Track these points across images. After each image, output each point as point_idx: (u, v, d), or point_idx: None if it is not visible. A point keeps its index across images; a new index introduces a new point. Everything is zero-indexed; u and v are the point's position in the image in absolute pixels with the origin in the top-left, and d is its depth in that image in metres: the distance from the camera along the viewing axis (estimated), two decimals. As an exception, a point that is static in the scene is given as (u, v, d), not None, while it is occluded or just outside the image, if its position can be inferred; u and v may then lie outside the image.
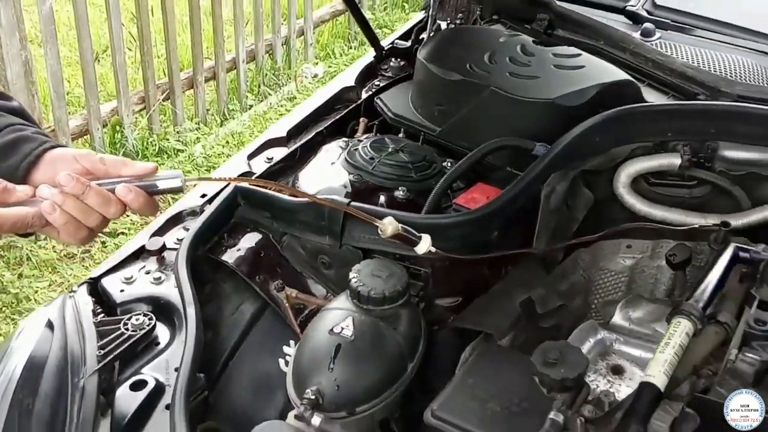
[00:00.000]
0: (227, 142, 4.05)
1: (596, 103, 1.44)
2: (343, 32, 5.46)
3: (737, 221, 1.40)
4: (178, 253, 1.30)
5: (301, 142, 1.59)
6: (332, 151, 1.53)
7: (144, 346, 1.21)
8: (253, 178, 1.48)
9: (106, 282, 1.31)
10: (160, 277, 1.31)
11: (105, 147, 3.70)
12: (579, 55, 1.59)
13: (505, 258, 1.38)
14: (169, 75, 4.02)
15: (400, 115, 1.64)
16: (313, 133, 1.62)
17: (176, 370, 1.14)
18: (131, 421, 1.09)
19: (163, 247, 1.36)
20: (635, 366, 1.30)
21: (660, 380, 1.03)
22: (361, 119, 1.69)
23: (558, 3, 1.77)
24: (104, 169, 0.95)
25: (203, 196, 1.47)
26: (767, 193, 1.42)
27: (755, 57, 1.57)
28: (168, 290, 1.28)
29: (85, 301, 1.25)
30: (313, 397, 1.08)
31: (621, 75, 1.53)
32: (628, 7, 1.78)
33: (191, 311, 1.20)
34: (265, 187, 1.37)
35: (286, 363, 1.26)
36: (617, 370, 1.30)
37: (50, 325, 1.20)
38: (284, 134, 1.62)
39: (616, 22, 1.74)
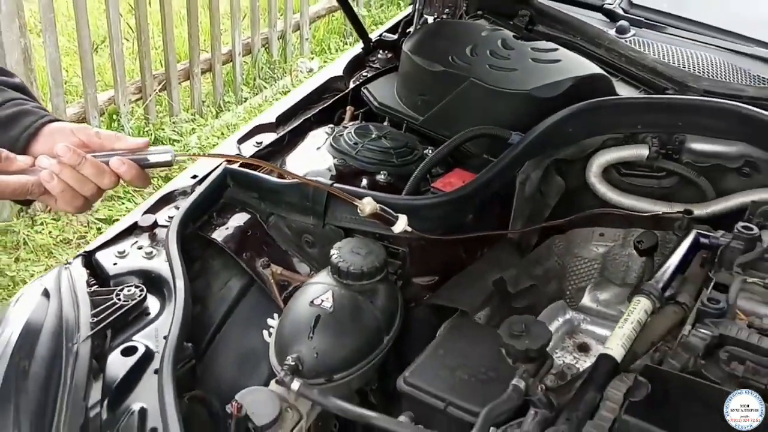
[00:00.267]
0: (222, 133, 4.11)
1: (570, 96, 1.50)
2: (339, 28, 5.53)
3: (701, 210, 1.47)
4: (169, 230, 1.36)
5: (290, 128, 1.66)
6: (318, 137, 1.60)
7: (135, 316, 1.26)
8: (240, 157, 1.55)
9: (100, 256, 1.37)
10: (151, 252, 1.37)
11: (101, 135, 3.76)
12: (556, 49, 1.66)
13: (480, 241, 1.45)
14: (165, 66, 4.08)
15: (386, 105, 1.71)
16: (301, 120, 1.69)
17: (165, 338, 1.20)
18: (121, 383, 1.14)
19: (155, 224, 1.43)
20: (600, 344, 1.38)
21: (617, 353, 1.10)
22: (348, 107, 1.76)
23: (539, 0, 1.84)
24: (99, 143, 1.02)
25: (194, 177, 1.53)
26: (731, 184, 1.49)
27: (723, 54, 1.65)
28: (159, 264, 1.34)
29: (79, 272, 1.31)
30: (293, 363, 1.15)
31: (595, 69, 1.60)
32: (605, 5, 1.85)
33: (180, 283, 1.26)
34: (254, 168, 1.44)
35: (270, 334, 1.32)
36: (583, 348, 1.38)
37: (46, 294, 1.26)
38: (273, 120, 1.68)
39: (594, 20, 1.81)
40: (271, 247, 1.44)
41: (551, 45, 1.68)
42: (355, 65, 1.94)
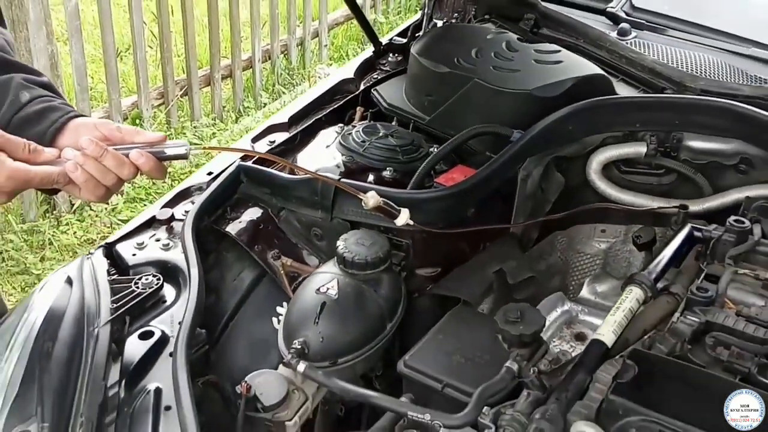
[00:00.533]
0: (242, 137, 4.18)
1: (571, 95, 1.56)
2: (357, 35, 5.61)
3: (698, 206, 1.51)
4: (185, 223, 1.44)
5: (302, 127, 1.73)
6: (328, 136, 1.67)
7: (152, 303, 1.33)
8: (251, 151, 1.62)
9: (120, 247, 1.45)
10: (168, 244, 1.45)
11: (125, 139, 3.87)
12: (558, 51, 1.71)
13: (482, 235, 1.50)
14: (187, 72, 4.19)
15: (394, 105, 1.77)
16: (312, 120, 1.76)
17: (179, 323, 1.27)
18: (138, 365, 1.21)
19: (172, 218, 1.50)
20: (597, 333, 1.42)
21: (608, 338, 1.15)
22: (358, 108, 1.83)
23: (543, 4, 1.90)
24: (120, 136, 1.10)
25: (209, 173, 1.61)
26: (728, 181, 1.53)
27: (720, 55, 1.69)
28: (175, 255, 1.42)
29: (101, 262, 1.39)
30: (299, 347, 1.21)
31: (595, 70, 1.65)
32: (608, 9, 1.91)
33: (194, 272, 1.33)
34: (267, 164, 1.51)
35: (279, 321, 1.39)
36: (580, 337, 1.43)
37: (69, 281, 1.33)
38: (286, 120, 1.76)
39: (598, 23, 1.86)
40: (282, 240, 1.50)
41: (554, 47, 1.74)
42: (366, 68, 2.01)
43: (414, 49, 1.78)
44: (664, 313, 1.25)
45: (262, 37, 4.67)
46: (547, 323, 1.44)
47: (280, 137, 1.71)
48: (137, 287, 1.34)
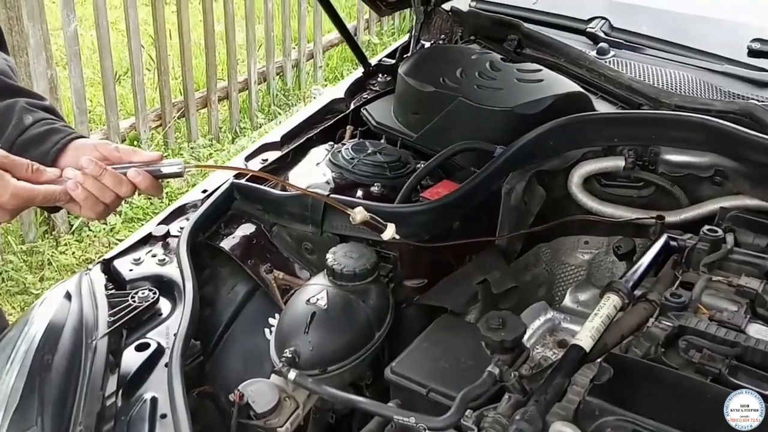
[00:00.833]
0: (236, 157, 4.26)
1: (551, 112, 1.62)
2: (351, 56, 5.66)
3: (675, 217, 1.57)
4: (180, 239, 1.49)
5: (294, 145, 1.78)
6: (319, 154, 1.73)
7: (148, 316, 1.37)
8: (243, 169, 1.67)
9: (117, 263, 1.50)
10: (164, 260, 1.50)
11: (123, 161, 3.94)
12: (540, 70, 1.78)
13: (467, 247, 1.55)
14: (184, 94, 4.26)
15: (383, 124, 1.83)
16: (304, 139, 1.82)
17: (175, 335, 1.32)
18: (135, 375, 1.25)
19: (168, 234, 1.55)
20: (578, 340, 1.46)
21: (586, 343, 1.19)
22: (348, 126, 1.89)
23: (526, 25, 1.97)
24: (118, 156, 1.15)
25: (204, 191, 1.66)
26: (704, 193, 1.59)
27: (694, 71, 1.76)
28: (171, 270, 1.46)
29: (99, 277, 1.44)
30: (290, 356, 1.26)
31: (574, 87, 1.72)
32: (588, 29, 1.98)
33: (189, 286, 1.38)
34: (259, 182, 1.56)
35: (271, 332, 1.43)
36: (562, 344, 1.47)
37: (68, 296, 1.38)
38: (279, 139, 1.81)
39: (579, 43, 1.93)
40: (274, 255, 1.55)
41: (535, 66, 1.81)
42: (355, 88, 2.07)
43: (401, 70, 1.85)
44: (641, 319, 1.29)
45: (258, 59, 4.76)
46: (531, 331, 1.50)
47: (272, 155, 1.76)
48: (134, 301, 1.38)
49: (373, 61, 2.14)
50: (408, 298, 1.49)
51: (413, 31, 2.09)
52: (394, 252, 1.46)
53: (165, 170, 1.18)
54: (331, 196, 1.43)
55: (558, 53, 1.87)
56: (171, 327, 1.35)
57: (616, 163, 1.58)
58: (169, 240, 1.55)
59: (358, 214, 1.32)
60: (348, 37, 2.09)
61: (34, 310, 1.37)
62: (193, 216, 1.54)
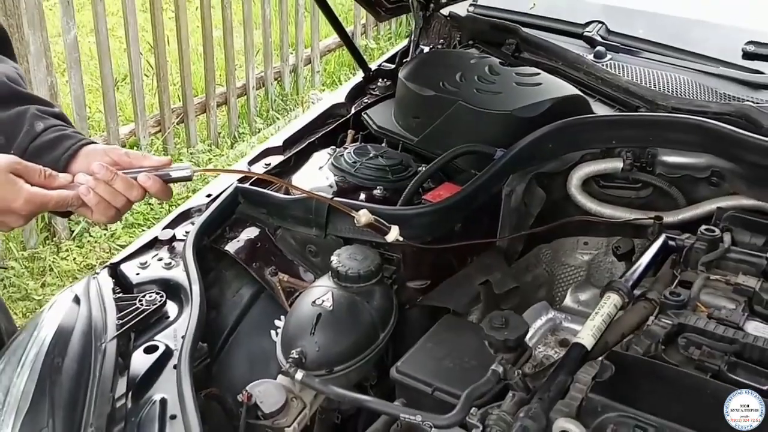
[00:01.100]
0: (237, 162, 4.26)
1: (550, 115, 1.64)
2: (349, 61, 5.72)
3: (673, 218, 1.59)
4: (186, 243, 1.51)
5: (296, 150, 1.81)
6: (321, 158, 1.75)
7: (156, 319, 1.40)
8: (249, 172, 1.70)
9: (124, 267, 1.52)
10: (170, 263, 1.52)
11: (122, 167, 3.96)
12: (538, 74, 1.80)
13: (469, 249, 1.58)
14: (183, 100, 4.28)
15: (384, 128, 1.86)
16: (306, 143, 1.84)
17: (182, 337, 1.34)
18: (144, 377, 1.27)
19: (173, 238, 1.58)
20: (579, 339, 1.49)
21: (588, 341, 1.22)
22: (349, 131, 1.91)
23: (524, 30, 2.00)
24: (129, 161, 1.18)
25: (209, 195, 1.68)
26: (702, 193, 1.61)
27: (691, 74, 1.79)
28: (177, 274, 1.48)
29: (106, 281, 1.46)
30: (297, 356, 1.28)
31: (572, 90, 1.75)
32: (585, 33, 2.00)
33: (196, 289, 1.40)
34: (263, 186, 1.58)
35: (277, 334, 1.46)
36: (564, 343, 1.50)
37: (77, 300, 1.39)
38: (281, 144, 1.84)
39: (576, 46, 1.96)
40: (278, 258, 1.58)
41: (534, 70, 1.83)
42: (356, 92, 2.09)
43: (402, 74, 1.87)
44: (641, 318, 1.32)
45: (256, 64, 4.78)
46: (532, 331, 1.52)
47: (275, 160, 1.79)
48: (141, 304, 1.40)
49: (372, 66, 2.16)
50: (411, 299, 1.51)
51: (413, 36, 2.12)
52: (398, 254, 1.48)
53: (174, 174, 1.20)
54: (335, 199, 1.46)
55: (556, 57, 1.90)
56: (178, 329, 1.37)
57: (615, 164, 1.61)
58: (175, 244, 1.57)
59: (363, 217, 1.34)
60: (348, 42, 2.12)
61: (44, 314, 1.39)
62: (199, 220, 1.56)
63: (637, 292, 1.33)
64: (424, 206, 1.51)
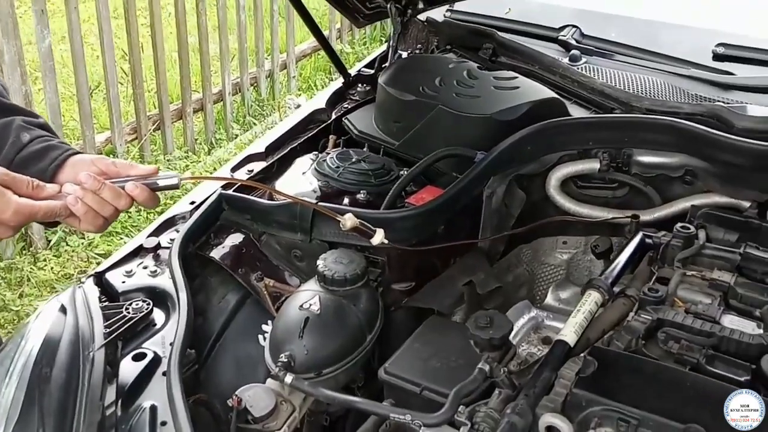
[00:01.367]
0: (215, 168, 4.27)
1: (528, 118, 1.68)
2: (324, 65, 5.74)
3: (649, 216, 1.63)
4: (171, 250, 1.51)
5: (278, 156, 1.82)
6: (304, 163, 1.77)
7: (143, 327, 1.40)
8: (235, 179, 1.71)
9: (109, 275, 1.52)
10: (155, 271, 1.52)
11: (99, 175, 3.93)
12: (515, 77, 1.84)
13: (452, 250, 1.60)
14: (159, 107, 4.26)
15: (365, 132, 1.88)
16: (288, 149, 1.86)
17: (171, 344, 1.34)
18: (133, 385, 1.27)
19: (158, 246, 1.58)
20: (561, 336, 1.52)
21: (570, 338, 1.25)
22: (331, 136, 1.93)
23: (500, 34, 2.04)
24: (116, 171, 1.18)
25: (192, 203, 1.69)
26: (676, 192, 1.66)
27: (663, 76, 1.84)
28: (163, 281, 1.49)
29: (92, 290, 1.45)
30: (286, 360, 1.30)
31: (549, 94, 1.78)
32: (560, 37, 2.05)
33: (182, 296, 1.40)
34: (247, 192, 1.60)
35: (264, 339, 1.47)
36: (546, 341, 1.53)
37: (63, 309, 1.39)
38: (263, 150, 1.85)
39: (551, 50, 2.00)
40: (264, 263, 1.59)
41: (511, 74, 1.87)
42: (336, 98, 2.11)
43: (381, 79, 1.89)
44: (621, 314, 1.35)
45: (232, 70, 4.77)
46: (516, 329, 1.55)
47: (258, 166, 1.80)
48: (128, 312, 1.39)
49: (351, 72, 2.18)
50: (396, 301, 1.53)
51: (391, 41, 2.14)
52: (382, 257, 1.50)
53: (162, 183, 1.21)
54: (319, 204, 1.47)
55: (532, 61, 1.94)
56: (166, 336, 1.38)
57: (592, 165, 1.65)
58: (160, 252, 1.57)
59: (348, 221, 1.36)
60: (326, 46, 2.14)
61: (30, 324, 1.38)
62: (183, 227, 1.57)
63: (616, 289, 1.36)
64: (407, 209, 1.53)
